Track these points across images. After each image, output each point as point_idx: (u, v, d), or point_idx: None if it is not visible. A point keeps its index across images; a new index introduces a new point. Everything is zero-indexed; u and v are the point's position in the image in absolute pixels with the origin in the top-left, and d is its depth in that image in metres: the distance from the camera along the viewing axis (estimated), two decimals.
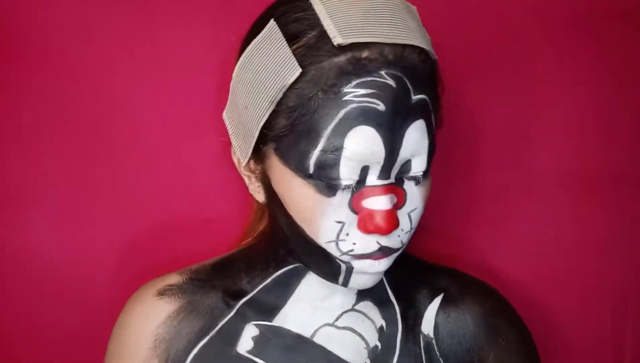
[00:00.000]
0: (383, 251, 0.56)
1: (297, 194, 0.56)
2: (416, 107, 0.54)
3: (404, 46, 0.54)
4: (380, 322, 0.64)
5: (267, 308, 0.64)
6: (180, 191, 0.81)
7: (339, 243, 0.56)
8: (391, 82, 0.53)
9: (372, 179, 0.55)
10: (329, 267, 0.58)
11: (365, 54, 0.53)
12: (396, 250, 0.58)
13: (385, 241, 0.56)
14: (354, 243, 0.56)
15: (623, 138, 0.85)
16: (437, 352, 0.64)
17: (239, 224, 0.75)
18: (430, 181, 0.59)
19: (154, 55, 0.80)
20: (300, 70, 0.53)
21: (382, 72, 0.53)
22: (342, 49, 0.53)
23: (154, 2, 0.81)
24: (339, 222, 0.55)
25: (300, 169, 0.55)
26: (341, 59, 0.53)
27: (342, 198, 0.55)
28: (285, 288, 0.64)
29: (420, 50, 0.55)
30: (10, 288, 0.80)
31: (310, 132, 0.54)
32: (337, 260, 0.57)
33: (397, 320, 0.65)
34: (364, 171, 0.54)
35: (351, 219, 0.55)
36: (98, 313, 0.76)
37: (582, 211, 0.85)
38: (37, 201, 0.80)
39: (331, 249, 0.57)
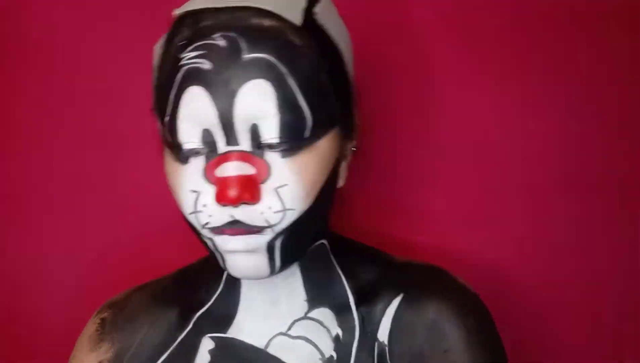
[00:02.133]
0: (238, 226, 0.53)
1: (165, 166, 0.57)
2: (250, 66, 0.52)
3: (243, 9, 0.54)
4: (337, 330, 0.62)
5: (222, 318, 0.64)
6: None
7: (198, 215, 0.54)
8: (221, 42, 0.53)
9: (221, 146, 0.53)
10: (208, 249, 0.57)
11: (203, 22, 0.54)
12: (259, 229, 0.54)
13: (239, 214, 0.53)
14: (210, 215, 0.54)
15: (622, 138, 0.83)
16: (389, 360, 0.61)
17: None
18: (314, 159, 0.54)
19: (151, 55, 0.81)
20: (161, 48, 0.58)
21: (215, 35, 0.53)
22: (187, 21, 0.55)
23: (154, 2, 0.81)
24: (194, 191, 0.54)
25: (164, 141, 0.57)
26: (187, 31, 0.55)
27: (195, 166, 0.54)
28: (232, 295, 0.64)
29: (266, 12, 0.54)
30: (10, 288, 0.82)
31: (162, 103, 0.56)
32: (203, 238, 0.56)
33: (354, 327, 0.62)
34: (208, 135, 0.53)
35: (207, 189, 0.54)
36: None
37: (582, 210, 0.83)
38: (36, 201, 0.82)
39: (193, 221, 0.55)
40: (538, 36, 0.83)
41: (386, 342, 0.61)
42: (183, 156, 0.55)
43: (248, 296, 0.63)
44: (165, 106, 0.56)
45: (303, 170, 0.54)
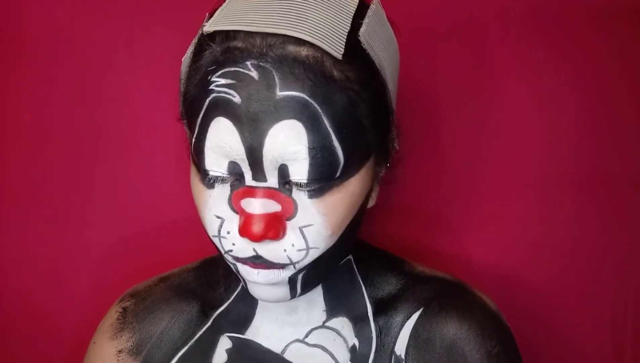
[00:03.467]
0: (261, 262, 0.53)
1: (192, 184, 0.56)
2: (284, 105, 0.49)
3: (280, 36, 0.50)
4: (354, 340, 0.63)
5: (240, 319, 0.64)
6: (179, 191, 0.80)
7: (222, 239, 0.54)
8: (253, 73, 0.49)
9: (248, 178, 0.52)
10: (232, 269, 0.57)
11: (235, 43, 0.51)
12: (281, 266, 0.53)
13: (262, 250, 0.52)
14: (233, 244, 0.53)
15: (622, 138, 0.81)
16: None
17: None
18: (341, 201, 0.53)
19: (153, 55, 0.80)
20: (189, 57, 0.55)
21: (248, 63, 0.50)
22: (218, 38, 0.52)
23: (154, 2, 0.80)
24: (219, 217, 0.53)
25: (192, 158, 0.55)
26: (217, 48, 0.52)
27: (221, 193, 0.53)
28: (252, 296, 0.62)
29: (312, 45, 0.50)
30: (9, 288, 0.83)
31: (192, 121, 0.54)
32: (229, 262, 0.56)
33: (371, 338, 0.62)
34: (234, 166, 0.52)
35: (232, 217, 0.53)
36: (94, 314, 0.77)
37: (581, 210, 0.83)
38: (36, 201, 0.81)
39: (217, 244, 0.55)
40: (536, 31, 0.80)
41: (403, 356, 0.62)
42: (209, 181, 0.53)
43: (265, 302, 0.63)
44: (192, 125, 0.54)
45: (330, 211, 0.53)
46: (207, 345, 0.64)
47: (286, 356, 0.63)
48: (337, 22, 0.52)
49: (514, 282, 0.83)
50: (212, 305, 0.66)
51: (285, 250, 0.52)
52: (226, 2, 0.55)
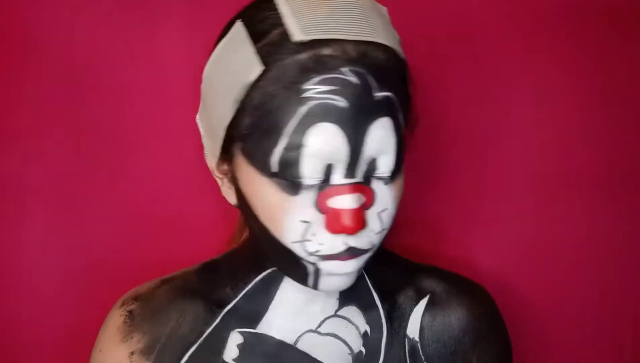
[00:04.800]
0: (351, 252, 0.56)
1: (263, 194, 0.56)
2: (380, 105, 0.54)
3: (367, 43, 0.54)
4: (365, 327, 0.64)
5: (250, 315, 0.65)
6: (180, 191, 0.82)
7: (305, 243, 0.55)
8: (353, 78, 0.53)
9: (338, 178, 0.54)
10: (297, 269, 0.58)
11: (326, 51, 0.53)
12: (366, 251, 0.57)
13: (353, 241, 0.55)
14: (321, 244, 0.55)
15: (623, 138, 0.85)
16: (422, 355, 0.64)
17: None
18: (402, 181, 0.58)
19: (154, 55, 0.81)
20: (262, 67, 0.54)
21: (343, 69, 0.53)
22: (304, 46, 0.53)
23: (155, 2, 0.81)
24: (304, 222, 0.55)
25: (264, 168, 0.55)
26: (303, 56, 0.53)
27: (306, 197, 0.54)
28: (266, 293, 0.65)
29: (385, 47, 0.55)
30: (9, 288, 0.82)
31: (273, 130, 0.54)
32: (304, 261, 0.57)
33: (382, 324, 0.65)
34: (328, 169, 0.54)
35: (317, 219, 0.55)
36: (96, 314, 0.76)
37: (581, 210, 0.85)
38: (36, 201, 0.81)
39: (297, 249, 0.56)
40: (537, 31, 0.84)
41: (417, 339, 0.65)
42: (294, 188, 0.55)
43: (284, 295, 0.64)
44: (267, 136, 0.54)
45: (397, 194, 0.58)
46: (217, 342, 0.64)
47: (299, 346, 0.63)
48: (392, 29, 0.59)
49: (515, 282, 0.84)
50: (219, 304, 0.66)
51: (368, 237, 0.56)
52: (285, 9, 0.55)
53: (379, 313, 0.65)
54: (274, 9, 0.56)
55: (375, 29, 0.55)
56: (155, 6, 0.81)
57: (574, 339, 0.85)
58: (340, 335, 0.64)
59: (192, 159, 0.78)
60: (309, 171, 0.53)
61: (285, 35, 0.54)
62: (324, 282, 0.58)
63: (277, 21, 0.55)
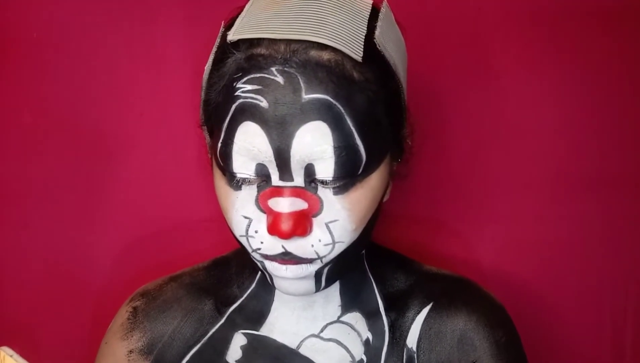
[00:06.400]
0: (289, 257, 0.55)
1: (217, 187, 0.58)
2: (310, 107, 0.52)
3: (303, 42, 0.52)
4: (367, 334, 0.64)
5: (255, 315, 0.65)
6: (180, 191, 0.82)
7: (249, 239, 0.56)
8: (279, 78, 0.52)
9: (275, 179, 0.54)
10: (257, 266, 0.59)
11: (259, 50, 0.53)
12: (310, 261, 0.55)
13: (290, 247, 0.54)
14: (262, 242, 0.55)
15: (622, 138, 0.83)
16: None
17: None
18: (363, 195, 0.55)
19: (154, 54, 0.81)
20: (210, 65, 0.56)
21: (273, 69, 0.52)
22: (241, 46, 0.54)
23: (155, 2, 0.81)
24: (246, 217, 0.55)
25: (216, 162, 0.57)
26: (240, 55, 0.54)
27: (248, 194, 0.55)
28: (268, 293, 0.65)
29: (333, 49, 0.52)
30: (9, 288, 0.82)
31: (216, 126, 0.56)
32: (254, 259, 0.58)
33: (384, 332, 0.64)
34: (261, 168, 0.54)
35: (259, 217, 0.55)
36: (98, 314, 0.78)
37: (581, 210, 0.84)
38: (36, 201, 0.81)
39: (244, 243, 0.57)
40: (539, 31, 0.82)
41: (414, 349, 0.63)
42: (236, 183, 0.55)
43: (282, 298, 0.64)
44: (216, 131, 0.56)
45: (354, 206, 0.55)
46: (221, 342, 0.65)
47: (301, 351, 0.64)
48: (355, 26, 0.54)
49: (515, 282, 0.84)
50: (225, 303, 0.66)
51: (312, 246, 0.55)
52: (245, 9, 0.57)
53: (383, 321, 0.65)
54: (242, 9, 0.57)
55: (324, 28, 0.53)
56: (156, 6, 0.81)
57: (574, 339, 0.86)
58: (342, 341, 0.64)
59: (192, 159, 0.80)
60: (239, 167, 0.54)
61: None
62: (279, 284, 0.58)
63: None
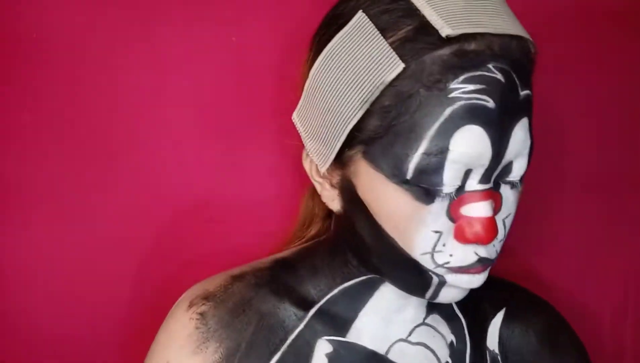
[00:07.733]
0: (482, 263, 0.53)
1: (390, 202, 0.52)
2: (523, 104, 0.51)
3: (510, 37, 0.50)
4: (450, 337, 0.63)
5: (338, 321, 0.61)
6: (179, 191, 0.80)
7: (435, 254, 0.52)
8: (500, 76, 0.49)
9: (472, 183, 0.51)
10: (419, 280, 0.54)
11: (472, 46, 0.49)
12: (492, 261, 0.54)
13: (483, 251, 0.52)
14: (451, 255, 0.52)
15: (624, 137, 0.87)
16: None
17: (240, 227, 0.79)
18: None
19: (154, 54, 0.79)
20: (402, 65, 0.49)
21: (490, 66, 0.49)
22: (447, 41, 0.49)
23: (155, 2, 0.79)
24: (437, 232, 0.51)
25: (395, 175, 0.51)
26: (445, 51, 0.49)
27: (440, 206, 0.51)
28: (355, 300, 0.61)
29: (525, 42, 0.52)
30: (10, 288, 0.79)
31: (409, 134, 0.49)
32: (430, 273, 0.53)
33: (464, 334, 0.64)
34: (466, 175, 0.51)
35: (448, 228, 0.51)
36: (101, 315, 0.77)
37: (582, 210, 0.87)
38: (37, 202, 0.78)
39: (425, 261, 0.53)
40: (539, 31, 0.84)
41: (497, 351, 0.65)
42: (431, 196, 0.51)
43: (379, 302, 0.61)
44: (400, 141, 0.50)
45: (519, 198, 0.55)
46: (303, 350, 0.60)
47: (390, 356, 0.61)
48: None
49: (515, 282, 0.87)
50: (302, 307, 0.62)
51: (494, 246, 0.53)
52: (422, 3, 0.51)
53: (461, 323, 0.64)
54: None
55: (514, 21, 0.52)
56: (156, 6, 0.79)
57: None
58: (429, 344, 0.62)
59: (192, 159, 0.79)
60: (450, 178, 0.50)
61: (422, 28, 0.49)
62: (444, 294, 0.55)
63: (408, 13, 0.50)
